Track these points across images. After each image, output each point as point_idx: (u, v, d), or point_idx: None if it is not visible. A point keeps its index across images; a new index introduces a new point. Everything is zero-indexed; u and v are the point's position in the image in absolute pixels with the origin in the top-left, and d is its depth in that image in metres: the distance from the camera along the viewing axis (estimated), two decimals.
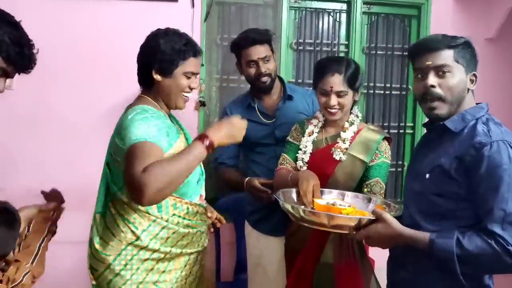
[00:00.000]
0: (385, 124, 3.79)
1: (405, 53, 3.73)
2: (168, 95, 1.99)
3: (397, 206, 1.95)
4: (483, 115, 1.71)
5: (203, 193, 2.14)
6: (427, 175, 1.74)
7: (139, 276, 1.90)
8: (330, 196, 2.13)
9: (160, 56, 1.93)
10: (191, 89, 2.01)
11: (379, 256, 2.13)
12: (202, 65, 3.38)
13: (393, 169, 3.83)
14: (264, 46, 2.65)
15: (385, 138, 2.31)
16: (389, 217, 1.71)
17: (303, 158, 2.35)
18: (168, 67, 1.94)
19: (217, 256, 3.29)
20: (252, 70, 2.68)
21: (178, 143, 1.93)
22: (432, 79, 1.73)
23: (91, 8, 3.18)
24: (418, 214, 1.77)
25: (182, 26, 3.27)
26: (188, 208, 1.98)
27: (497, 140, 1.59)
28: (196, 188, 2.06)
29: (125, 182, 1.78)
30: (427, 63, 1.74)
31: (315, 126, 2.40)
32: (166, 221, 1.91)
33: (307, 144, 2.36)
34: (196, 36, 3.36)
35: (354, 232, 1.77)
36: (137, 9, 3.25)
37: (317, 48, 3.66)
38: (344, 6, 3.69)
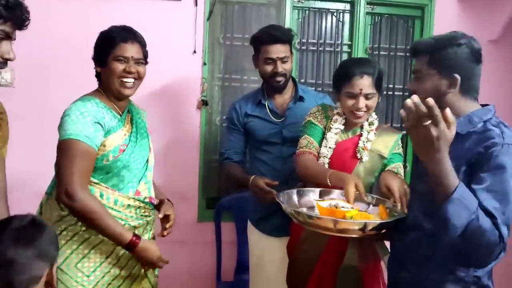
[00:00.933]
0: (388, 125, 3.78)
1: (408, 54, 3.72)
2: (108, 84, 2.06)
3: (400, 212, 1.93)
4: (491, 118, 1.70)
5: (144, 190, 2.15)
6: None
7: (73, 245, 1.98)
8: (331, 197, 2.12)
9: (96, 50, 2.08)
10: (128, 72, 2.04)
11: None
12: (205, 64, 3.38)
13: None
14: (285, 46, 2.64)
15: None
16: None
17: (326, 154, 2.32)
18: (101, 57, 2.06)
19: (218, 256, 3.29)
20: (269, 68, 2.66)
21: (114, 136, 2.01)
22: (410, 84, 1.83)
23: (94, 6, 3.18)
24: (423, 216, 1.76)
25: (185, 25, 3.33)
26: (117, 200, 2.01)
27: (508, 143, 1.59)
28: (132, 182, 2.08)
29: (56, 174, 1.97)
30: (413, 68, 1.83)
31: (339, 123, 2.36)
32: None
33: (330, 140, 2.33)
34: (199, 35, 3.37)
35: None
36: (140, 7, 3.24)
37: (320, 48, 3.65)
38: (347, 6, 3.68)
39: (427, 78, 1.74)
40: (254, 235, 2.80)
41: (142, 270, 2.12)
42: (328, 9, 3.66)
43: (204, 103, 3.40)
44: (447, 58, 1.70)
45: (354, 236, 1.85)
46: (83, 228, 1.97)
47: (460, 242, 1.54)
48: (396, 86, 3.79)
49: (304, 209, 1.98)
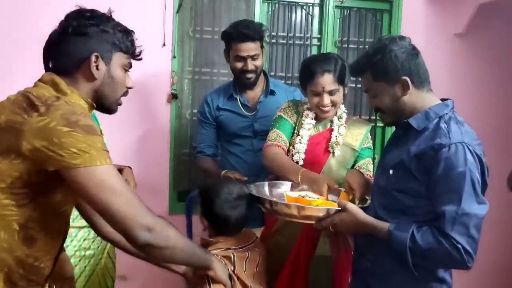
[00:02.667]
0: (356, 117, 3.82)
1: None
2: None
3: (366, 198, 1.99)
4: (446, 113, 1.73)
5: None
6: (391, 171, 1.78)
7: None
8: (302, 189, 2.16)
9: None
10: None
11: None
12: (174, 57, 3.37)
13: None
14: (256, 43, 2.64)
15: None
16: (352, 206, 1.79)
17: (301, 150, 2.35)
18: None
19: None
20: (239, 65, 2.68)
21: None
22: (370, 103, 1.89)
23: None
24: (381, 209, 1.81)
25: (154, 17, 3.30)
26: None
27: (455, 142, 1.62)
28: None
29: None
30: (364, 89, 1.90)
31: (311, 118, 2.40)
32: None
33: (304, 136, 2.37)
34: (168, 28, 3.35)
35: (321, 222, 1.83)
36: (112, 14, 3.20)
37: (290, 42, 3.66)
38: (317, 0, 3.70)
39: (380, 92, 1.79)
40: None
41: (105, 250, 2.14)
42: (298, 3, 3.67)
43: (174, 96, 3.38)
44: (387, 66, 1.74)
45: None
46: None
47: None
48: None
49: (274, 199, 2.01)
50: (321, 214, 1.82)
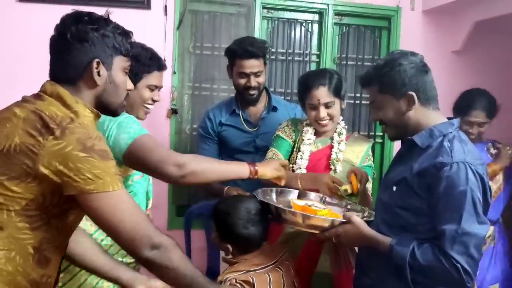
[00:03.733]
0: (356, 133, 3.83)
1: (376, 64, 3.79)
2: (131, 106, 2.03)
3: (371, 212, 2.01)
4: (451, 132, 1.73)
5: (149, 206, 2.20)
6: (394, 188, 1.78)
7: (81, 277, 1.92)
8: (309, 199, 2.15)
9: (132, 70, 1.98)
10: (154, 101, 2.08)
11: None
12: (174, 72, 3.39)
13: None
14: (259, 60, 2.65)
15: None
16: (357, 219, 1.78)
17: (303, 165, 2.37)
18: (132, 78, 1.97)
19: (208, 261, 3.28)
20: (242, 81, 2.68)
21: None
22: (373, 115, 1.88)
23: (64, 14, 3.15)
24: (383, 225, 1.81)
25: (154, 33, 3.33)
26: None
27: (457, 161, 1.61)
28: (143, 201, 2.11)
29: (150, 169, 1.84)
30: (369, 100, 1.90)
31: (311, 133, 2.42)
32: None
33: (304, 152, 2.39)
34: (169, 44, 3.38)
35: (325, 232, 1.83)
36: (110, 16, 3.22)
37: (289, 58, 3.70)
38: (316, 17, 3.74)
39: (385, 105, 1.79)
40: None
41: None
42: (297, 20, 3.71)
43: (173, 111, 3.40)
44: (395, 80, 1.74)
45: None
46: None
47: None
48: (363, 95, 3.85)
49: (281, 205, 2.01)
50: (326, 225, 1.82)
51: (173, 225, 3.48)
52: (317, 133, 2.41)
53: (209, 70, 3.50)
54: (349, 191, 2.10)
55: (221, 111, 2.85)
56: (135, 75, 1.98)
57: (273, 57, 3.67)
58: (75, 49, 1.43)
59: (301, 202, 2.02)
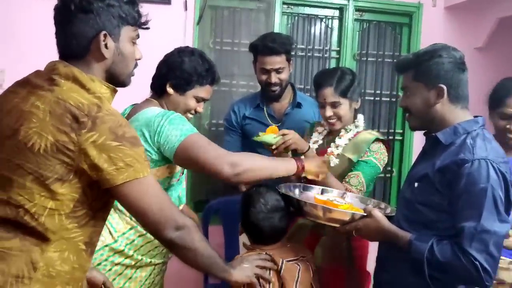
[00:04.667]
0: (369, 130, 3.81)
1: (396, 60, 3.76)
2: (174, 110, 2.01)
3: (393, 208, 2.00)
4: (475, 130, 1.72)
5: (182, 205, 2.20)
6: (416, 184, 1.78)
7: (109, 278, 1.91)
8: (331, 195, 2.15)
9: (179, 73, 2.00)
10: (196, 112, 2.08)
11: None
12: None
13: (382, 175, 3.86)
14: (281, 56, 2.65)
15: (380, 141, 2.32)
16: (378, 213, 1.78)
17: None
18: (184, 86, 2.01)
19: None
20: (264, 77, 2.70)
21: None
22: (401, 101, 1.87)
23: None
24: (404, 221, 1.80)
25: (175, 29, 3.34)
26: None
27: (479, 158, 1.60)
28: (176, 201, 2.10)
29: (204, 167, 1.83)
30: (401, 85, 1.89)
31: (319, 133, 2.45)
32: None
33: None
34: (189, 40, 3.38)
35: (345, 226, 1.83)
36: None
37: (309, 54, 3.68)
38: (336, 13, 3.72)
39: (415, 92, 1.79)
40: None
41: None
42: (317, 15, 3.70)
43: None
44: (430, 69, 1.74)
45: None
46: (124, 261, 1.96)
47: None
48: (383, 92, 3.84)
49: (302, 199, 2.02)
50: (346, 218, 1.82)
51: None
52: (330, 132, 2.42)
53: (228, 66, 3.50)
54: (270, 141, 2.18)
55: (246, 105, 2.88)
56: (188, 83, 2.00)
57: (292, 53, 3.65)
58: (79, 20, 1.37)
59: (323, 197, 2.03)
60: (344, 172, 2.29)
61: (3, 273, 1.26)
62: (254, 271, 1.79)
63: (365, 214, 1.81)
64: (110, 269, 1.93)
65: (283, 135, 2.16)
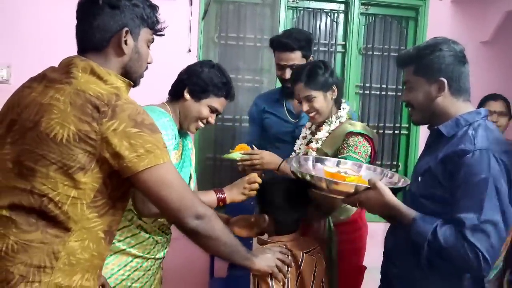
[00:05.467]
0: (380, 125, 3.82)
1: None
2: (187, 115, 2.07)
3: (407, 180, 1.92)
4: (477, 121, 1.71)
5: None
6: (419, 178, 1.77)
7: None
8: (345, 166, 2.10)
9: (198, 81, 2.04)
10: (207, 122, 2.11)
11: (376, 256, 2.14)
12: None
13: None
14: (295, 53, 2.64)
15: (358, 134, 2.24)
16: (382, 185, 1.70)
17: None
18: (200, 93, 2.05)
19: None
20: (278, 73, 2.74)
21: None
22: (404, 95, 1.87)
23: None
24: None
25: (180, 23, 3.34)
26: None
27: (480, 148, 1.59)
28: None
29: None
30: (403, 79, 1.90)
31: (308, 128, 2.46)
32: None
33: (300, 147, 2.43)
34: (194, 34, 3.39)
35: (349, 198, 1.78)
36: None
37: (314, 48, 3.67)
38: (341, 7, 3.71)
39: (416, 86, 1.79)
40: None
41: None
42: (323, 9, 3.68)
43: None
44: (431, 63, 1.74)
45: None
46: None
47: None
48: (389, 86, 3.82)
49: (312, 172, 2.00)
50: (350, 190, 1.76)
51: None
52: (318, 126, 2.40)
53: (233, 60, 3.51)
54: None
55: (266, 99, 2.91)
56: (204, 91, 2.05)
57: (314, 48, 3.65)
58: (105, 14, 1.43)
59: (333, 169, 1.98)
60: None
61: (26, 264, 1.30)
62: (275, 262, 1.78)
63: (369, 186, 1.73)
64: None
65: (253, 154, 2.26)
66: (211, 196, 2.01)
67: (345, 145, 2.22)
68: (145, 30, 1.52)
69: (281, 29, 3.48)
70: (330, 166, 2.09)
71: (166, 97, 2.14)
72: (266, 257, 1.77)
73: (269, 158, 2.32)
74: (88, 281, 1.39)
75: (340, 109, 2.35)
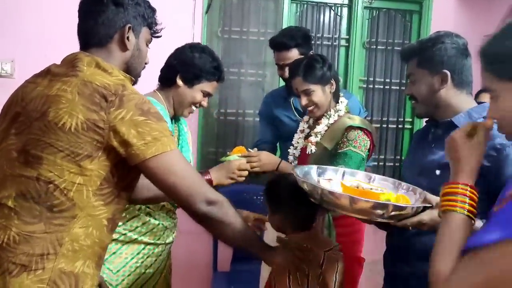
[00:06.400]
0: (384, 119, 3.81)
1: None
2: (180, 102, 2.12)
3: (423, 192, 1.67)
4: None
5: None
6: (438, 172, 1.74)
7: None
8: (354, 178, 1.86)
9: (190, 68, 2.08)
10: (200, 106, 2.16)
11: (374, 247, 2.14)
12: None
13: (391, 164, 3.86)
14: (291, 51, 2.64)
15: (358, 128, 2.21)
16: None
17: (294, 154, 2.41)
18: (192, 79, 2.09)
19: (214, 246, 3.32)
20: (279, 73, 2.76)
21: None
22: (407, 88, 1.87)
23: None
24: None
25: (183, 17, 3.34)
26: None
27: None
28: None
29: None
30: (406, 73, 1.89)
31: (306, 122, 2.45)
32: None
33: (298, 141, 2.42)
34: (197, 28, 3.38)
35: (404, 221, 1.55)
36: None
37: (318, 42, 3.66)
38: (345, 1, 3.69)
39: (419, 79, 1.79)
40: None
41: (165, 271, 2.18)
42: (326, 3, 3.67)
43: None
44: (434, 56, 1.74)
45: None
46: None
47: None
48: (393, 81, 3.81)
49: (329, 187, 1.70)
50: (407, 212, 1.52)
51: None
52: (316, 120, 2.38)
53: (237, 55, 3.50)
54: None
55: (275, 97, 2.91)
56: (197, 77, 2.09)
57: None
58: (110, 11, 1.48)
59: (349, 184, 1.74)
60: (321, 161, 2.16)
61: (28, 254, 1.32)
62: (294, 259, 1.70)
63: (430, 205, 1.55)
64: None
65: (250, 156, 2.26)
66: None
67: (345, 139, 2.21)
68: (145, 29, 1.58)
69: (285, 23, 3.49)
70: (337, 178, 1.86)
71: (157, 84, 2.16)
72: (285, 251, 1.71)
73: (267, 159, 2.31)
74: (88, 268, 1.42)
75: (338, 102, 2.34)
